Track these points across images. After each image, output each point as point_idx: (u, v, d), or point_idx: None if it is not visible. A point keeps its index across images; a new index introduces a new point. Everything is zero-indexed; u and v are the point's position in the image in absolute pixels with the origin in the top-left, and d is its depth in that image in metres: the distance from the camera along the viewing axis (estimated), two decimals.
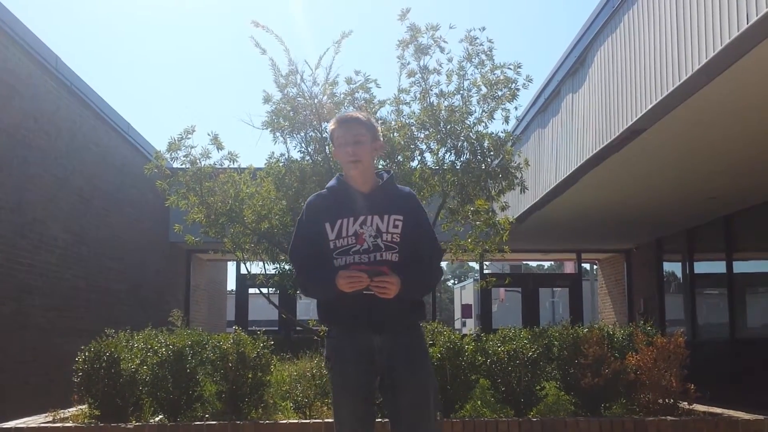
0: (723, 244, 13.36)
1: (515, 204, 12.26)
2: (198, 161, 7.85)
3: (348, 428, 3.24)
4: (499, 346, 6.53)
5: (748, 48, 6.01)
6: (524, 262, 31.87)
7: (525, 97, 20.62)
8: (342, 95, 7.97)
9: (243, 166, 8.35)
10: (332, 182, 3.48)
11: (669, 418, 6.13)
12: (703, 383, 6.60)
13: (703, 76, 6.67)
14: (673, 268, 16.57)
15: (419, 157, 8.09)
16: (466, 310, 31.55)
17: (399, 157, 7.82)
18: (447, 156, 8.06)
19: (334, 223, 3.30)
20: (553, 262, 33.23)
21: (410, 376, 3.25)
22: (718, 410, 6.61)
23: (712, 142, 8.71)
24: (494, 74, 8.01)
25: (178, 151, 7.83)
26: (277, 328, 18.39)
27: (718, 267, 13.76)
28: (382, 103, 8.05)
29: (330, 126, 3.50)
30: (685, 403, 6.50)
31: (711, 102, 7.30)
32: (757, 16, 5.63)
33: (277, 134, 8.04)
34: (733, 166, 9.81)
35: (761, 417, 6.17)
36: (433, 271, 3.42)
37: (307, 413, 6.29)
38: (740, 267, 13.30)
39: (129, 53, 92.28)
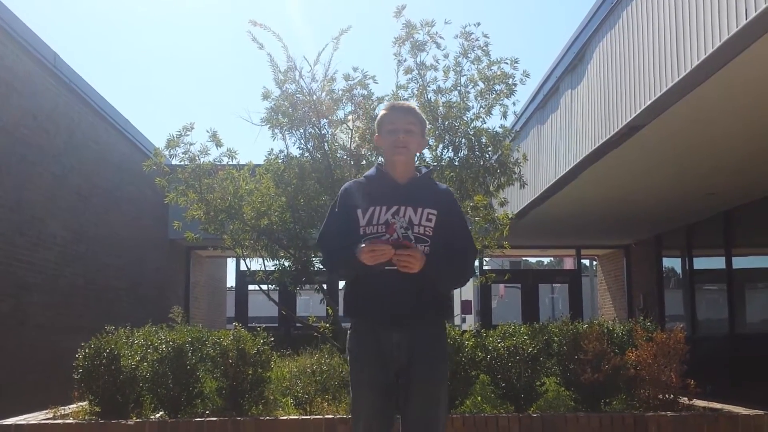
0: (722, 240, 13.38)
1: (514, 200, 12.27)
2: (197, 158, 7.85)
3: (363, 422, 3.22)
4: (499, 342, 6.53)
5: (747, 44, 6.02)
6: (524, 259, 31.90)
7: (523, 93, 20.63)
8: (340, 92, 7.97)
9: (242, 162, 8.35)
10: (371, 171, 3.49)
11: (669, 413, 6.14)
12: (702, 379, 6.61)
13: (702, 72, 6.68)
14: (672, 263, 16.58)
15: (418, 154, 8.10)
16: (465, 306, 31.56)
17: None
18: (445, 152, 8.07)
19: (366, 210, 3.28)
20: (552, 259, 33.23)
21: (427, 373, 3.24)
22: (718, 406, 6.62)
23: (711, 138, 8.72)
24: (491, 70, 8.03)
25: (177, 148, 7.82)
26: (276, 325, 18.40)
27: (718, 263, 13.77)
28: (380, 99, 8.06)
29: (381, 111, 3.49)
30: (685, 398, 6.50)
31: (710, 98, 7.31)
32: (756, 12, 5.63)
33: (276, 131, 8.04)
34: (731, 163, 9.81)
35: (761, 412, 6.18)
36: (466, 265, 3.38)
37: (308, 409, 6.29)
38: (739, 263, 13.32)
39: (128, 50, 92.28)
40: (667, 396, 6.36)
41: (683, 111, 7.67)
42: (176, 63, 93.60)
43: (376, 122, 3.50)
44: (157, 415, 6.23)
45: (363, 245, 3.15)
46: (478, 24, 8.03)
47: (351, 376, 3.35)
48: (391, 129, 3.35)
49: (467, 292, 32.34)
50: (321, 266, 3.53)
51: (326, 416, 5.97)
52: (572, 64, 10.33)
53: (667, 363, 6.36)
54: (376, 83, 8.03)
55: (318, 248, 3.39)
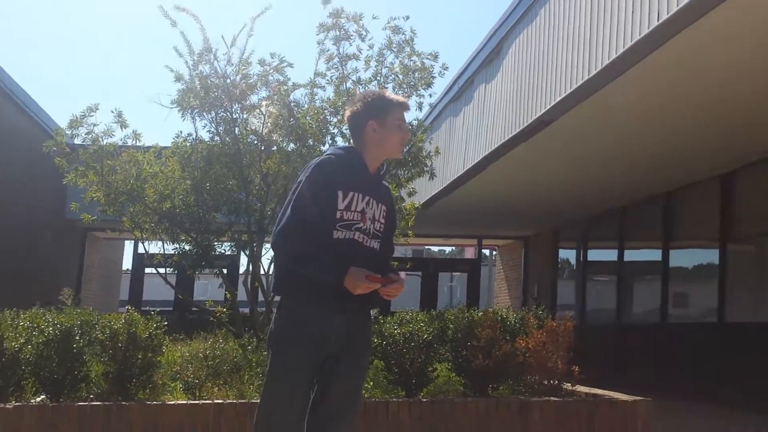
0: (616, 234, 13.89)
1: (422, 190, 12.41)
2: (100, 139, 7.64)
3: (281, 413, 3.11)
4: (395, 329, 6.60)
5: (650, 50, 6.26)
6: (426, 247, 32.28)
7: (439, 86, 20.84)
8: (256, 77, 7.86)
9: (149, 144, 8.17)
10: (340, 151, 3.32)
11: (552, 398, 6.34)
12: (589, 366, 6.85)
13: (610, 73, 6.91)
14: (568, 255, 17.12)
15: (330, 141, 8.09)
16: None
17: (310, 141, 7.79)
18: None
19: (347, 194, 3.18)
20: (454, 248, 33.78)
21: (354, 364, 3.23)
22: (600, 392, 6.88)
23: (614, 137, 9.03)
24: (412, 60, 8.08)
25: (80, 128, 7.61)
26: (171, 309, 18.05)
27: (610, 255, 14.30)
28: (296, 86, 8.00)
29: (385, 98, 3.33)
30: (569, 384, 6.73)
31: (615, 99, 7.57)
32: (658, 21, 5.86)
33: (186, 113, 7.87)
34: (629, 161, 10.19)
35: (639, 398, 6.46)
36: (395, 270, 3.41)
37: (197, 394, 6.21)
38: (630, 255, 13.86)
39: (35, 27, 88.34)
40: (552, 382, 6.57)
41: (590, 109, 7.91)
42: (84, 39, 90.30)
43: (373, 107, 3.29)
44: (38, 399, 6.04)
45: (356, 272, 3.03)
46: (407, 17, 8.03)
47: (277, 356, 3.18)
48: (401, 125, 3.30)
49: None
50: (275, 242, 3.17)
51: (215, 401, 5.91)
52: (488, 59, 10.51)
53: (554, 350, 6.56)
54: (292, 67, 7.96)
55: (291, 222, 3.11)
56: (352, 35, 7.87)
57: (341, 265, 3.06)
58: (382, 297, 3.27)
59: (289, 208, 3.15)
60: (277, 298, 3.38)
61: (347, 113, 3.40)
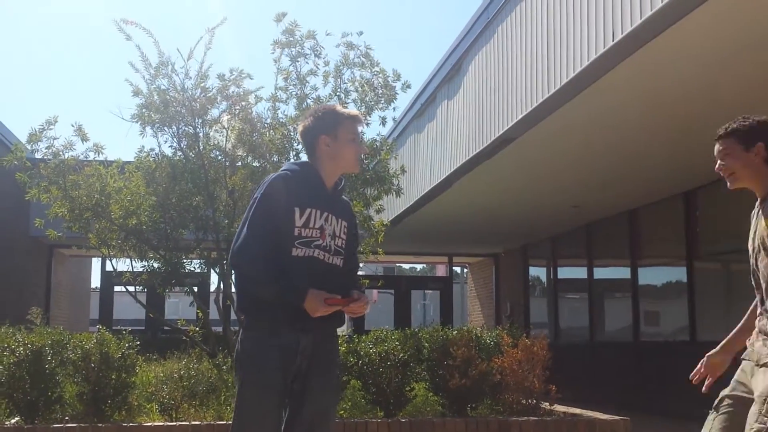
0: (584, 252, 14.00)
1: (390, 207, 12.41)
2: (61, 153, 7.54)
3: (257, 428, 3.06)
4: (370, 348, 6.58)
5: (609, 67, 6.35)
6: (397, 264, 32.29)
7: (403, 101, 20.91)
8: (215, 90, 7.82)
9: (111, 159, 8.08)
10: (296, 167, 3.26)
11: (531, 418, 6.36)
12: (564, 384, 6.88)
13: (570, 90, 6.98)
14: (538, 272, 17.21)
15: (295, 156, 8.06)
16: None
17: (275, 157, 7.76)
18: None
19: (304, 210, 3.12)
20: (425, 265, 33.82)
21: (325, 382, 3.17)
22: (577, 411, 6.91)
23: (577, 154, 9.11)
24: (374, 73, 8.09)
25: (40, 143, 7.50)
26: (143, 328, 17.82)
27: (580, 273, 14.41)
28: (258, 99, 7.97)
29: (346, 115, 3.27)
30: (547, 403, 6.75)
31: (577, 116, 7.64)
32: (613, 40, 5.96)
33: (147, 128, 7.80)
34: (595, 178, 10.30)
35: (616, 417, 6.50)
36: (360, 287, 3.38)
37: (174, 415, 6.13)
38: (599, 273, 13.97)
39: None
40: (530, 401, 6.58)
41: (551, 127, 7.98)
42: (44, 53, 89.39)
43: (324, 121, 3.24)
44: (13, 421, 5.92)
45: (315, 296, 2.99)
46: (361, 33, 8.06)
47: (245, 379, 3.12)
48: (354, 138, 3.24)
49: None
50: (235, 263, 3.09)
51: (193, 422, 5.84)
52: (449, 75, 10.56)
53: (530, 369, 6.59)
54: (251, 79, 7.93)
55: (249, 243, 3.06)
56: (308, 53, 7.89)
57: (300, 285, 3.03)
58: (342, 316, 3.25)
59: (245, 227, 3.10)
60: None
61: (299, 128, 3.36)
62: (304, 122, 3.32)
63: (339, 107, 3.38)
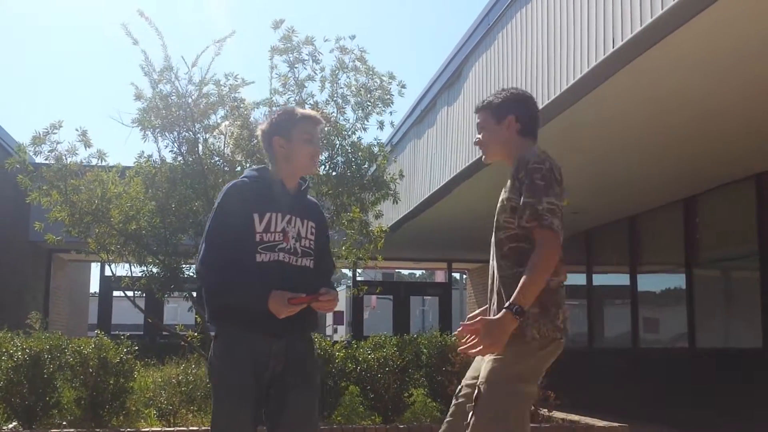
0: (584, 258, 13.99)
1: (389, 212, 12.42)
2: (64, 157, 7.54)
3: None
4: (369, 354, 6.58)
5: (609, 74, 6.35)
6: (396, 270, 32.30)
7: (402, 107, 21.02)
8: (216, 96, 7.84)
9: (111, 164, 8.08)
10: (254, 173, 3.26)
11: (530, 425, 6.34)
12: (562, 391, 6.87)
13: (571, 96, 6.99)
14: None
15: None
16: (337, 317, 31.63)
17: None
18: (321, 168, 8.08)
19: (263, 215, 3.10)
20: (424, 271, 33.83)
21: (303, 385, 3.13)
22: (576, 417, 6.90)
23: (576, 160, 9.11)
24: (370, 77, 8.10)
25: (43, 146, 7.50)
26: (142, 333, 17.83)
27: (579, 279, 14.40)
28: (256, 104, 7.98)
29: (300, 116, 3.25)
30: (545, 410, 6.74)
31: (577, 121, 7.65)
32: (613, 47, 5.97)
33: (148, 133, 7.81)
34: (593, 184, 10.30)
35: (615, 424, 6.49)
36: (331, 285, 3.34)
37: (172, 421, 6.13)
38: (599, 279, 13.96)
39: None
40: None
41: (550, 133, 7.98)
42: (47, 59, 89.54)
43: (278, 123, 3.24)
44: (11, 426, 5.91)
45: (277, 296, 2.97)
46: (353, 37, 8.05)
47: (218, 385, 3.11)
48: (309, 139, 3.21)
49: (340, 302, 32.41)
50: (198, 273, 3.10)
51: (191, 428, 5.84)
52: (449, 81, 10.57)
53: None
54: (252, 83, 7.95)
55: (208, 253, 3.09)
56: (306, 59, 7.90)
57: (266, 289, 3.01)
58: (315, 319, 3.25)
59: (204, 238, 3.12)
60: None
61: (258, 133, 3.36)
62: (261, 126, 3.33)
63: (296, 109, 3.35)
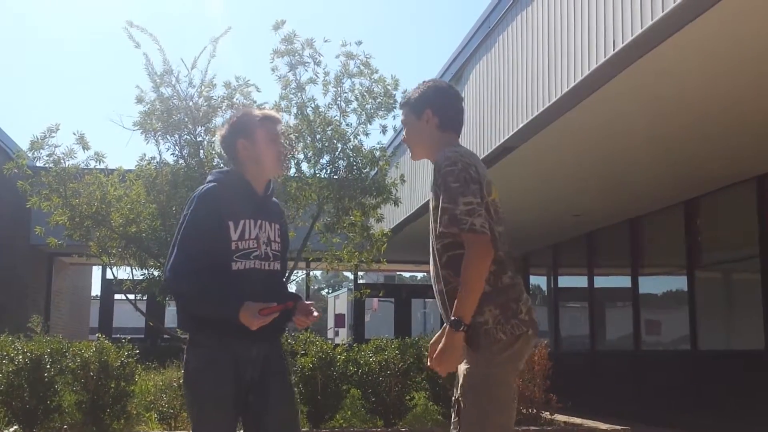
0: (585, 260, 13.97)
1: (390, 215, 12.41)
2: (62, 161, 7.54)
3: None
4: (370, 357, 6.57)
5: (610, 77, 6.34)
6: (398, 273, 32.27)
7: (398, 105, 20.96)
8: (219, 98, 7.85)
9: (112, 167, 8.09)
10: (222, 176, 3.16)
11: (532, 427, 6.33)
12: (564, 393, 6.85)
13: (571, 99, 6.97)
14: (538, 281, 17.17)
15: (295, 167, 8.07)
16: (339, 319, 31.61)
17: None
18: (323, 172, 8.09)
19: (238, 223, 3.02)
20: (425, 274, 33.79)
21: (283, 389, 3.10)
22: (578, 420, 6.89)
23: (577, 162, 9.10)
24: (372, 80, 8.10)
25: (41, 150, 7.51)
26: (143, 336, 17.81)
27: (581, 281, 14.37)
28: (261, 108, 7.98)
29: (261, 117, 3.18)
30: (548, 413, 6.73)
31: (577, 124, 7.64)
32: (614, 49, 5.96)
33: (149, 135, 7.82)
34: (595, 186, 10.29)
35: (617, 427, 6.47)
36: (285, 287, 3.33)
37: (173, 424, 6.12)
38: (600, 282, 13.94)
39: None
40: (530, 410, 6.56)
41: (551, 136, 7.97)
42: (46, 61, 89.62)
43: (239, 126, 3.16)
44: (11, 430, 5.91)
45: (249, 309, 2.88)
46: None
47: (200, 393, 3.00)
48: (273, 139, 3.15)
49: (341, 305, 32.40)
50: (168, 280, 3.02)
51: None
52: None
53: (531, 378, 6.56)
54: (259, 91, 7.98)
55: (179, 260, 2.97)
56: (307, 61, 7.90)
57: (239, 300, 2.92)
58: (283, 323, 3.16)
59: (175, 246, 3.01)
60: None
61: (217, 139, 3.26)
62: (221, 131, 3.25)
63: (255, 110, 3.29)
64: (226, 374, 2.98)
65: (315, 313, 3.08)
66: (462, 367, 2.80)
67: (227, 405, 2.98)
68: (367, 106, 8.07)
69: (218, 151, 7.94)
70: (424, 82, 3.08)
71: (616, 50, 5.97)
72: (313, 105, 7.99)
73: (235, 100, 7.87)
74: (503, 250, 2.88)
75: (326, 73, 8.03)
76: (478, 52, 9.44)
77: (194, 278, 2.95)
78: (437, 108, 2.99)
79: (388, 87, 8.09)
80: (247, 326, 2.90)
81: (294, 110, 8.02)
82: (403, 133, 3.12)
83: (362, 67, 8.07)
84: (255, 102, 7.93)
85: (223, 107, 7.86)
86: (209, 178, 3.20)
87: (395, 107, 8.14)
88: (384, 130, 8.23)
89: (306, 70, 7.95)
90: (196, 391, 3.01)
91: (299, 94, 7.98)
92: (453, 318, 2.70)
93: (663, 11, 5.32)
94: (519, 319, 2.80)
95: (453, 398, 2.89)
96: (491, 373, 2.75)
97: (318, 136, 7.88)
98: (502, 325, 2.76)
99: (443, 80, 3.23)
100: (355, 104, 8.11)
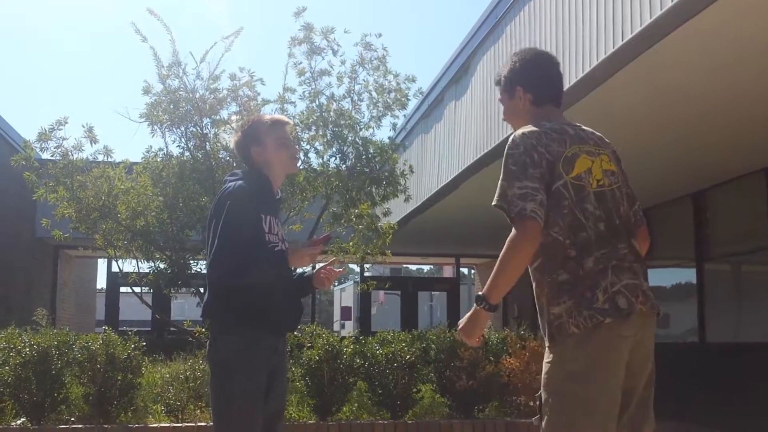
0: None
1: (397, 208, 12.38)
2: (70, 153, 7.53)
3: None
4: (377, 349, 6.55)
5: (618, 68, 6.30)
6: (404, 266, 32.27)
7: (410, 102, 20.95)
8: (225, 91, 7.83)
9: (118, 160, 8.08)
10: (251, 175, 3.27)
11: (535, 418, 6.31)
12: None
13: (579, 91, 6.93)
14: None
15: (303, 158, 8.06)
16: (345, 312, 31.64)
17: None
18: (332, 160, 8.08)
19: (266, 218, 3.20)
20: (432, 266, 33.78)
21: (285, 382, 3.32)
22: None
23: None
24: (386, 79, 8.10)
25: (49, 142, 7.50)
26: (149, 329, 17.83)
27: None
28: (266, 102, 7.97)
29: (269, 123, 3.30)
30: None
31: (583, 116, 7.56)
32: (623, 40, 5.92)
33: (156, 128, 7.80)
34: None
35: None
36: None
37: (180, 417, 6.11)
38: None
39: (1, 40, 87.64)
40: (535, 403, 6.53)
41: None
42: (53, 53, 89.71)
43: (251, 133, 3.29)
44: (19, 422, 5.91)
45: (294, 250, 3.17)
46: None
47: (236, 383, 3.03)
48: (284, 142, 3.29)
49: (347, 298, 32.43)
50: (217, 274, 3.10)
51: (199, 424, 5.82)
52: (457, 76, 10.51)
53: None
54: (264, 84, 7.96)
55: (228, 254, 3.03)
56: (324, 49, 7.89)
57: (275, 289, 3.14)
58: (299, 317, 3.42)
59: (224, 241, 3.05)
60: None
61: (232, 144, 3.44)
62: (235, 137, 3.41)
63: (264, 116, 3.43)
64: (262, 365, 3.11)
65: (340, 269, 3.35)
66: (544, 362, 2.70)
67: (261, 392, 3.08)
68: (379, 103, 8.07)
69: (224, 144, 7.93)
70: (514, 53, 2.98)
71: (623, 42, 5.93)
72: (328, 92, 7.97)
73: (240, 92, 7.85)
74: (593, 229, 2.72)
75: (342, 62, 8.03)
76: (485, 43, 9.38)
77: (247, 265, 3.04)
78: (529, 84, 2.89)
79: (401, 84, 8.10)
80: (299, 265, 3.24)
81: (306, 101, 8.01)
82: (502, 111, 3.05)
83: (378, 62, 8.06)
84: (259, 95, 7.91)
85: (228, 100, 7.83)
86: (233, 178, 3.28)
87: (407, 106, 8.16)
88: (395, 128, 8.24)
89: (323, 58, 7.94)
90: (238, 382, 3.05)
91: (314, 83, 7.97)
92: (479, 293, 2.64)
93: (671, 2, 5.28)
94: (594, 308, 2.59)
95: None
96: (567, 369, 2.60)
97: (330, 127, 7.87)
98: (574, 318, 2.59)
99: (532, 49, 3.08)
100: (367, 101, 8.12)
